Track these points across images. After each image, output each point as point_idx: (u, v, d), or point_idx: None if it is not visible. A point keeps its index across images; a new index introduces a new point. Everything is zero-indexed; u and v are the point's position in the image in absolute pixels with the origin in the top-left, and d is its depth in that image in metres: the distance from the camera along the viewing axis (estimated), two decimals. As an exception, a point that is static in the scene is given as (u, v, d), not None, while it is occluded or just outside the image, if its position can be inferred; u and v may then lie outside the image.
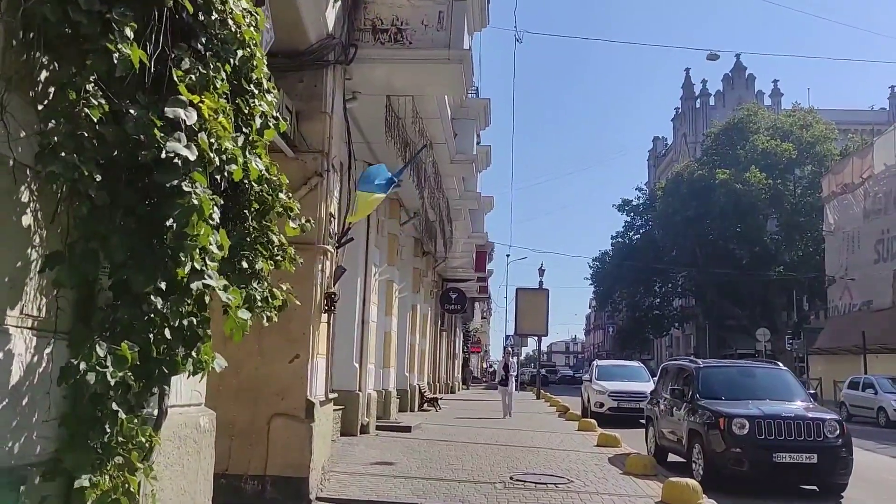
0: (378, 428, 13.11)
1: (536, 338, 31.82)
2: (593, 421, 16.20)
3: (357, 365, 12.22)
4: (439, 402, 21.52)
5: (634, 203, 59.53)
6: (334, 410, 11.10)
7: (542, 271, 32.10)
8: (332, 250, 8.20)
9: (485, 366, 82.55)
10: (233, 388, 7.45)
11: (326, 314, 7.94)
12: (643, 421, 19.95)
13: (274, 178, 4.50)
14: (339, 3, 8.03)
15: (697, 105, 67.91)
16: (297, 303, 5.16)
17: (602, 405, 19.43)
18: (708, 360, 12.46)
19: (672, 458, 11.53)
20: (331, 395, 8.29)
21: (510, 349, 19.36)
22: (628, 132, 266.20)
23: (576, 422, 18.16)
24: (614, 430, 16.70)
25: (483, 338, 71.48)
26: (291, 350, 7.50)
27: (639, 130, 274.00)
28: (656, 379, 13.31)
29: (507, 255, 72.13)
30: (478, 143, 16.66)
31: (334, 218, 8.32)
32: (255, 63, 3.85)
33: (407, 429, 13.36)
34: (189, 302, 3.36)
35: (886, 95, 66.72)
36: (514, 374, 19.02)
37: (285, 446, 7.31)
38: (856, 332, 31.04)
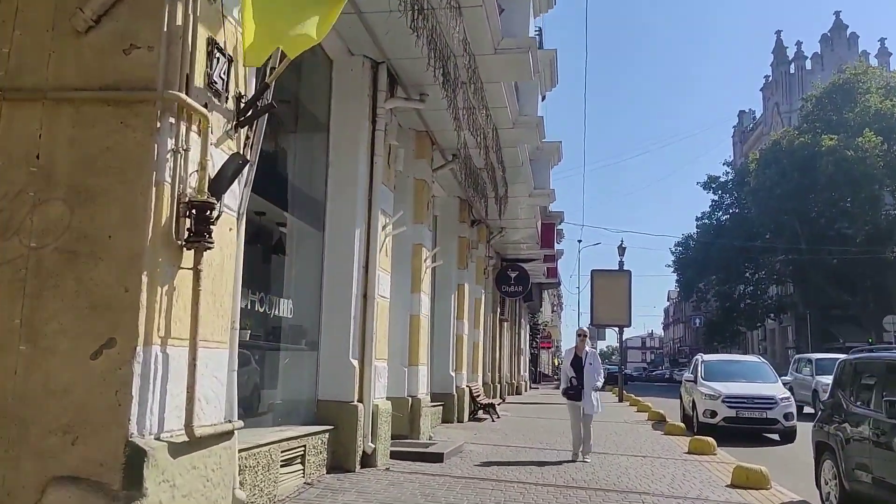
0: (396, 455, 8.80)
1: (617, 329, 26.95)
2: (710, 440, 11.45)
3: (355, 362, 7.93)
4: (498, 408, 17.10)
5: (722, 179, 53.32)
6: (314, 434, 6.89)
7: (622, 249, 27.13)
8: (215, 116, 3.90)
9: (556, 362, 77.43)
10: (-40, 417, 3.26)
11: (193, 250, 3.65)
12: (773, 436, 15.15)
13: None
14: None
15: (791, 70, 60.85)
16: None
17: (714, 414, 14.55)
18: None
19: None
20: (214, 427, 3.99)
21: (585, 331, 10.71)
22: (711, 106, 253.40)
23: (680, 437, 13.43)
24: (732, 447, 12.06)
25: (554, 332, 66.40)
26: (96, 330, 3.26)
27: (722, 104, 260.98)
28: (829, 380, 8.52)
29: (579, 241, 66.65)
30: (537, 33, 12.01)
31: (227, 57, 4.01)
32: None
33: (438, 457, 8.98)
34: None
35: None
36: (598, 375, 10.11)
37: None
38: None
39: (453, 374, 14.60)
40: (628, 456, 10.69)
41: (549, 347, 60.31)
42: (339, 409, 7.77)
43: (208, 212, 3.56)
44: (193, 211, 3.52)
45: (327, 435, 7.54)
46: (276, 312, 7.31)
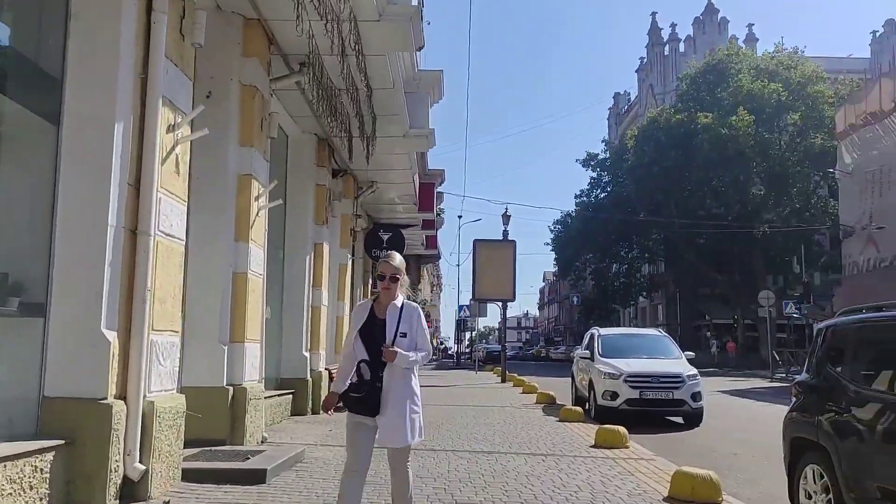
0: (194, 476, 5.83)
1: (500, 304, 24.82)
2: (621, 430, 9.22)
3: (111, 335, 4.89)
4: (365, 394, 14.31)
5: (601, 157, 52.89)
6: (13, 459, 3.81)
7: (506, 218, 24.92)
8: None
9: (435, 342, 75.66)
10: None
11: None
12: (678, 419, 13.33)
13: None
14: None
15: (666, 52, 61.56)
16: None
17: (615, 395, 12.50)
18: None
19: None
20: None
21: (397, 266, 4.26)
22: (591, 87, 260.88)
23: (579, 425, 11.26)
24: (635, 434, 9.98)
25: (433, 312, 64.36)
26: None
27: (602, 85, 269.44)
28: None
29: (459, 217, 64.85)
30: None
31: None
32: None
33: (258, 476, 6.07)
34: None
35: (868, 42, 61.61)
36: (418, 351, 4.24)
37: None
38: (888, 292, 24.99)
39: (307, 354, 11.69)
40: (525, 455, 8.24)
41: (428, 327, 58.07)
42: (81, 411, 4.72)
43: None
44: None
45: (52, 456, 4.48)
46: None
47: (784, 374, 29.42)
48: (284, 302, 11.50)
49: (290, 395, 11.22)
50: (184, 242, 5.93)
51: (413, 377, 4.27)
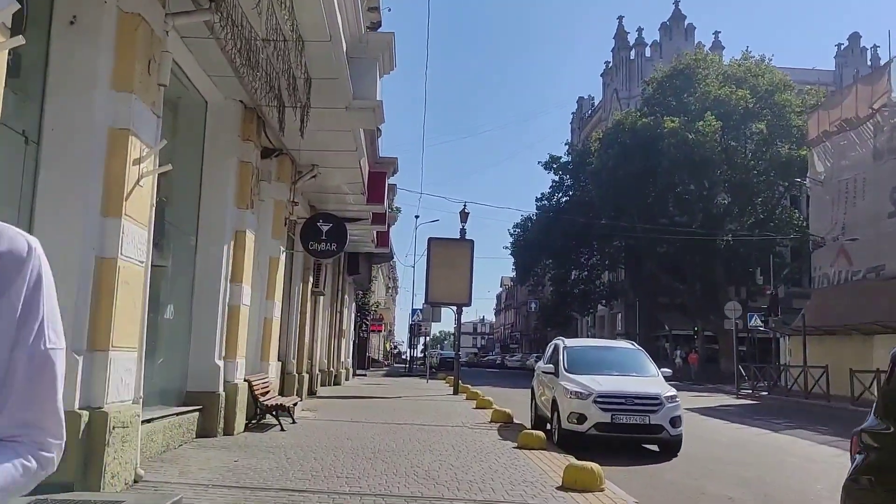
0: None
1: (455, 309, 22.99)
2: (595, 469, 7.49)
3: None
4: (296, 408, 12.45)
5: (564, 160, 51.59)
6: None
7: (464, 215, 23.12)
8: None
9: (388, 346, 73.62)
10: None
11: None
12: (653, 447, 11.72)
13: None
14: None
15: (631, 56, 60.68)
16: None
17: (583, 418, 10.80)
18: None
19: None
20: None
21: None
22: (556, 90, 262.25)
23: (542, 454, 9.51)
24: (605, 465, 8.22)
25: (386, 315, 62.30)
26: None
27: (566, 89, 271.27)
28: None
29: (416, 217, 62.95)
30: None
31: None
32: None
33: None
34: None
35: (833, 55, 61.81)
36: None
37: None
38: (861, 307, 24.11)
39: (221, 362, 9.72)
40: (475, 503, 6.44)
41: (379, 331, 56.14)
42: None
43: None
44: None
45: None
46: None
47: (750, 390, 28.30)
48: (195, 299, 9.55)
49: (197, 413, 9.27)
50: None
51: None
